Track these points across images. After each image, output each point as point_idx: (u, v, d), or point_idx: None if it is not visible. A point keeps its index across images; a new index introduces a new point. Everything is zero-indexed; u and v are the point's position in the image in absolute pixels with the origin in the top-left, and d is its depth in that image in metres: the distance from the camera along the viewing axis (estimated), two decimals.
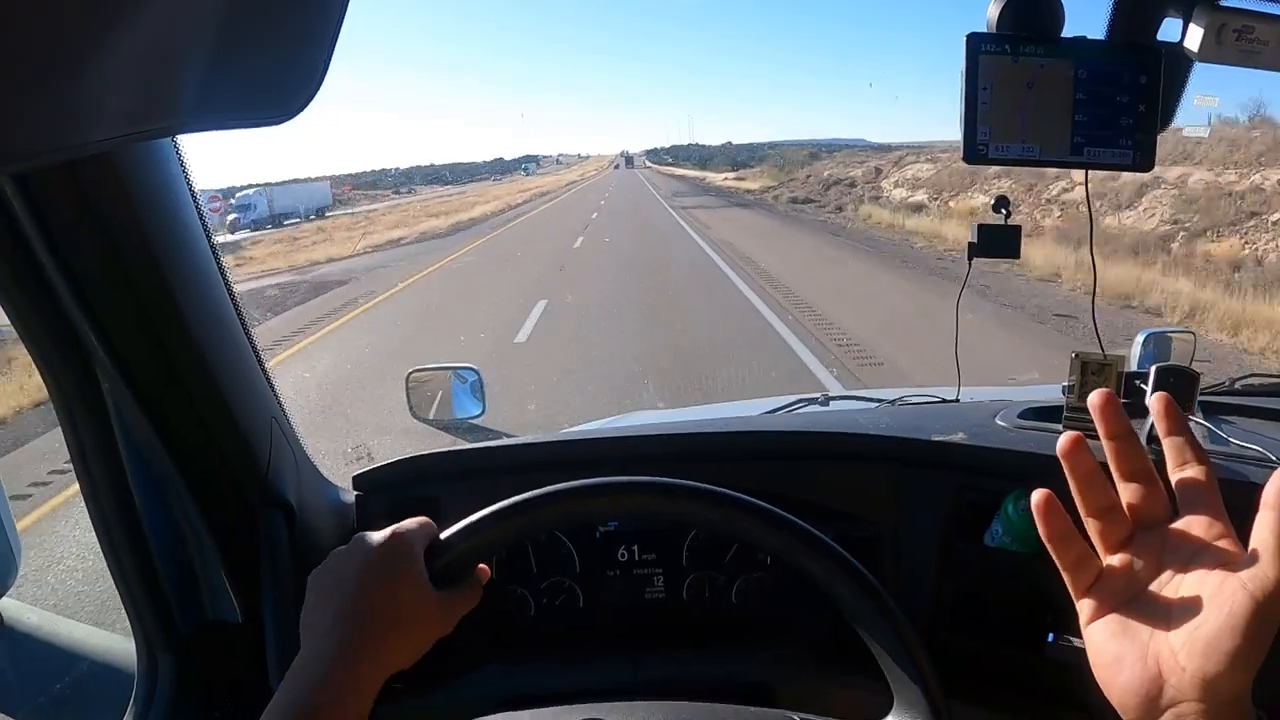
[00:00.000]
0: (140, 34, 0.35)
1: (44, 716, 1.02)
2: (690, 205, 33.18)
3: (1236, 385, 1.28)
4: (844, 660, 0.96)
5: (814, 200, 30.79)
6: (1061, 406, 1.07)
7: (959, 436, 1.05)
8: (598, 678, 1.04)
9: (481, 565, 0.75)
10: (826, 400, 1.50)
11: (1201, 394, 1.18)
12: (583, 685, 1.01)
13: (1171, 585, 0.46)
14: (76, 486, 0.94)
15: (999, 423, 1.10)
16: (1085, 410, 1.05)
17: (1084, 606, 0.49)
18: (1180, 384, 0.94)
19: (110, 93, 0.36)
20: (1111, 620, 0.47)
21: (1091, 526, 0.50)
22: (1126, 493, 0.49)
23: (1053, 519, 0.50)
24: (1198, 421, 1.06)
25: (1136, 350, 1.47)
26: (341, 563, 0.70)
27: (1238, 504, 0.92)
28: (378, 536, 0.70)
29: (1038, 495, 0.50)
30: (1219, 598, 0.42)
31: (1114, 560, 0.49)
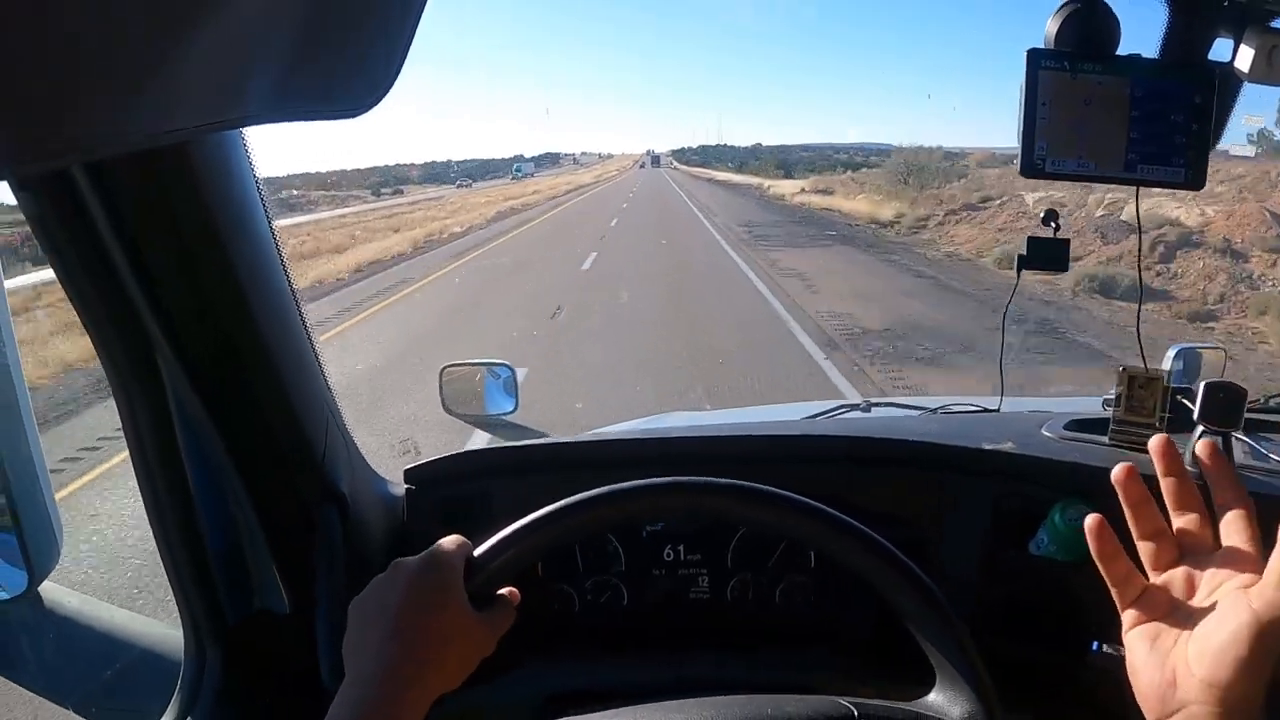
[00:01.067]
0: (221, 26, 0.36)
1: (88, 702, 1.02)
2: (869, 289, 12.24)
3: (1271, 403, 1.29)
4: (887, 664, 0.97)
5: None
6: (1106, 419, 1.08)
7: (1008, 445, 1.06)
8: (640, 677, 1.05)
9: (510, 589, 0.74)
10: (868, 407, 1.51)
11: None
12: (625, 684, 1.02)
13: (1200, 603, 0.52)
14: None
15: (1045, 433, 1.12)
16: (1131, 424, 1.06)
17: (1127, 617, 0.56)
18: (1229, 400, 0.95)
19: (185, 84, 0.36)
20: (1147, 629, 0.54)
21: (1143, 549, 0.57)
22: (1178, 521, 0.56)
23: (1104, 539, 0.57)
24: (1239, 437, 1.07)
25: (1167, 365, 1.49)
26: (384, 588, 0.69)
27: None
28: (418, 560, 0.70)
29: (1091, 518, 0.57)
30: (1229, 612, 0.49)
31: (1159, 579, 0.56)
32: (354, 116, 0.51)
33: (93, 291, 0.82)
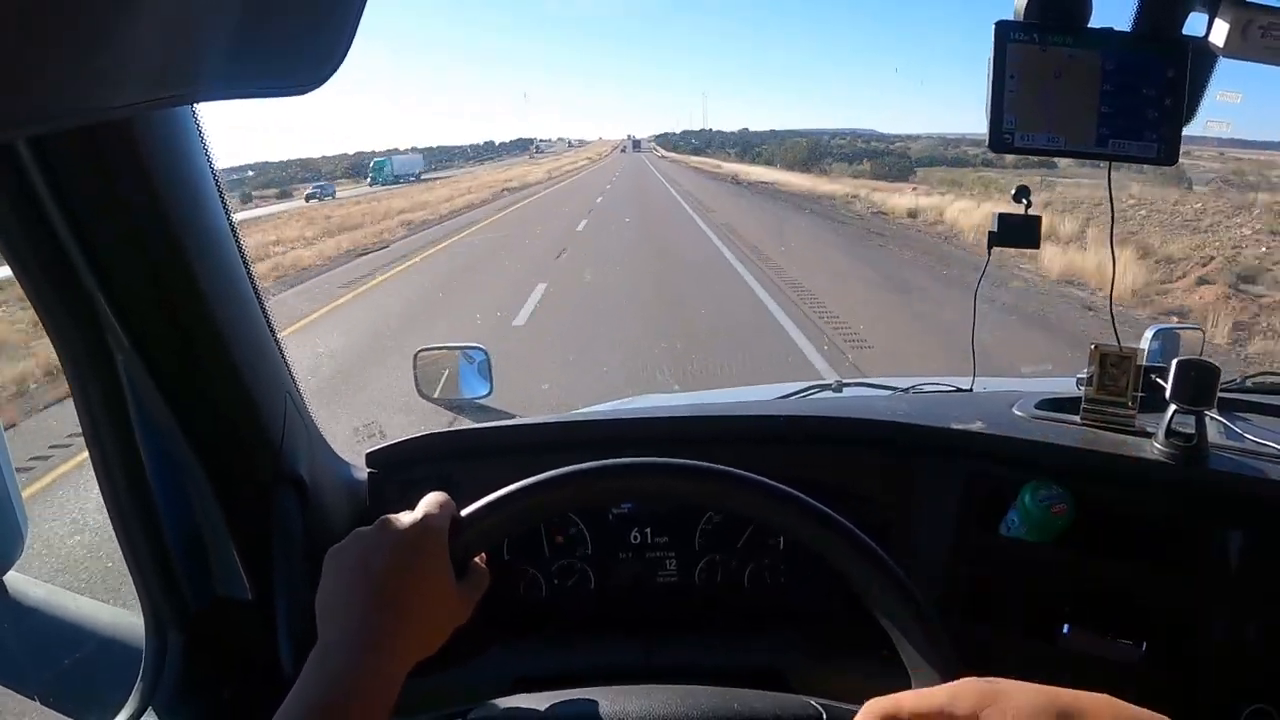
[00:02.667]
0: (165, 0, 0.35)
1: (51, 691, 1.01)
2: None
3: (1248, 383, 1.28)
4: (854, 645, 0.96)
5: None
6: (1078, 398, 1.07)
7: (977, 425, 1.05)
8: (609, 660, 1.04)
9: (481, 556, 0.73)
10: (840, 387, 1.50)
11: None
12: (594, 667, 1.01)
13: None
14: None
15: (1016, 413, 1.11)
16: (1103, 402, 1.05)
17: None
18: (1201, 378, 0.94)
19: (133, 57, 0.36)
20: None
21: None
22: None
23: None
24: (1214, 417, 1.06)
25: (1145, 345, 1.48)
26: (367, 546, 0.67)
27: (1260, 497, 0.93)
28: (405, 520, 0.68)
29: None
30: None
31: None
32: (304, 93, 0.50)
33: (42, 276, 0.81)
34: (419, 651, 0.65)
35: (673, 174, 51.98)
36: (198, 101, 0.81)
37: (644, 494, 0.93)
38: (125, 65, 0.35)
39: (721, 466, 0.70)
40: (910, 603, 0.69)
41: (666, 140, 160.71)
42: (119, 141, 0.74)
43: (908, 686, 0.70)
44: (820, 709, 0.69)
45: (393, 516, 0.69)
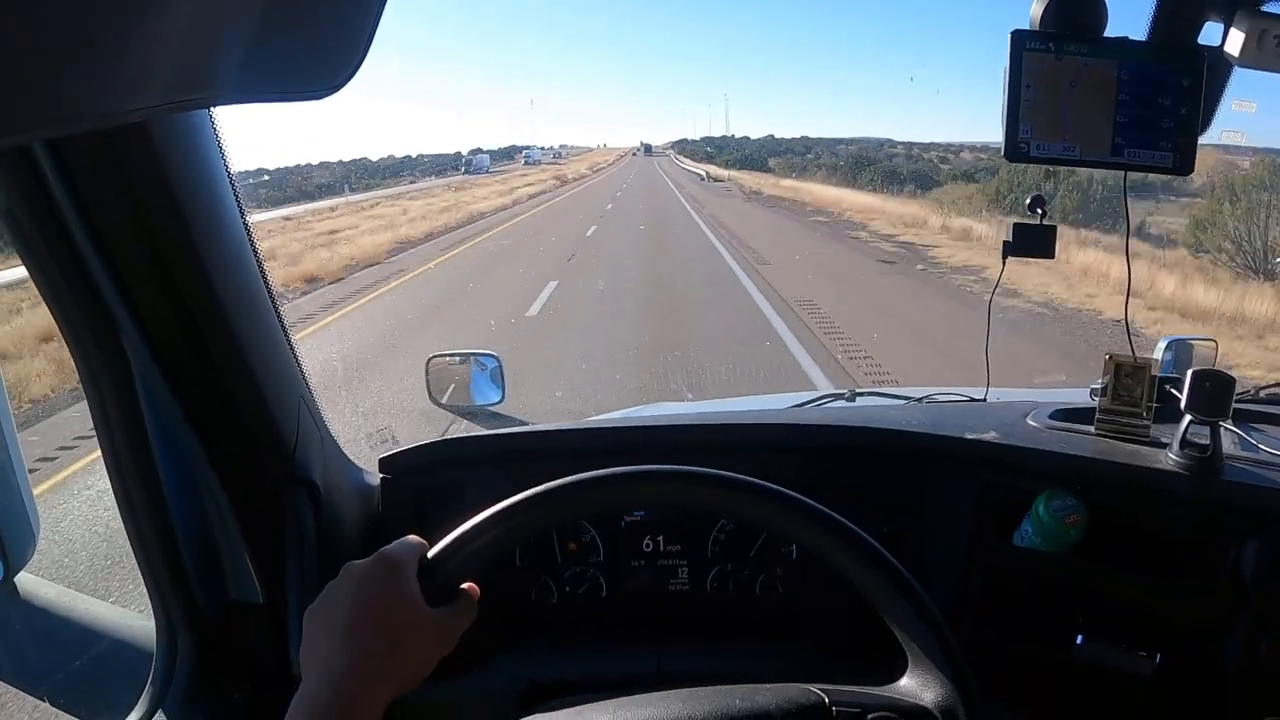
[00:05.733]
0: (185, 4, 0.35)
1: (62, 692, 1.01)
2: None
3: (1261, 394, 1.28)
4: (866, 656, 0.95)
5: None
6: (1092, 409, 1.07)
7: (991, 435, 1.05)
8: (620, 667, 1.04)
9: (470, 585, 0.73)
10: (853, 396, 1.50)
11: None
12: (605, 675, 1.01)
13: None
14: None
15: (1030, 423, 1.10)
16: (1118, 413, 1.05)
17: None
18: (1216, 389, 0.94)
19: (153, 62, 0.36)
20: None
21: None
22: None
23: None
24: (1228, 428, 1.06)
25: (1159, 356, 1.47)
26: (335, 594, 0.69)
27: (1271, 509, 0.92)
28: (366, 562, 0.69)
29: None
30: None
31: None
32: (321, 98, 0.50)
33: (59, 278, 0.81)
34: (396, 684, 0.66)
35: (689, 192, 37.16)
36: (215, 105, 0.82)
37: (624, 504, 0.93)
38: (145, 69, 0.36)
39: (699, 469, 0.71)
40: (920, 608, 0.69)
41: (685, 148, 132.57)
42: (137, 145, 0.74)
43: (920, 702, 0.70)
44: (822, 694, 0.68)
45: (356, 563, 0.70)
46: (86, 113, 0.36)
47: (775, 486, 0.71)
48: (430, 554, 0.71)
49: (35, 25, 0.29)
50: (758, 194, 35.62)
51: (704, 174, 56.57)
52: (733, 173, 56.88)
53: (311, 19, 0.44)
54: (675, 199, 31.49)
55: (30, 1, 0.29)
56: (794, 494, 0.71)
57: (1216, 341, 1.56)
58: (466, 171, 79.32)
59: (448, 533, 0.71)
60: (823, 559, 0.72)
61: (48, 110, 0.33)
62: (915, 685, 0.69)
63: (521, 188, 45.44)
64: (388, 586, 0.68)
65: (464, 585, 0.73)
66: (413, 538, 0.72)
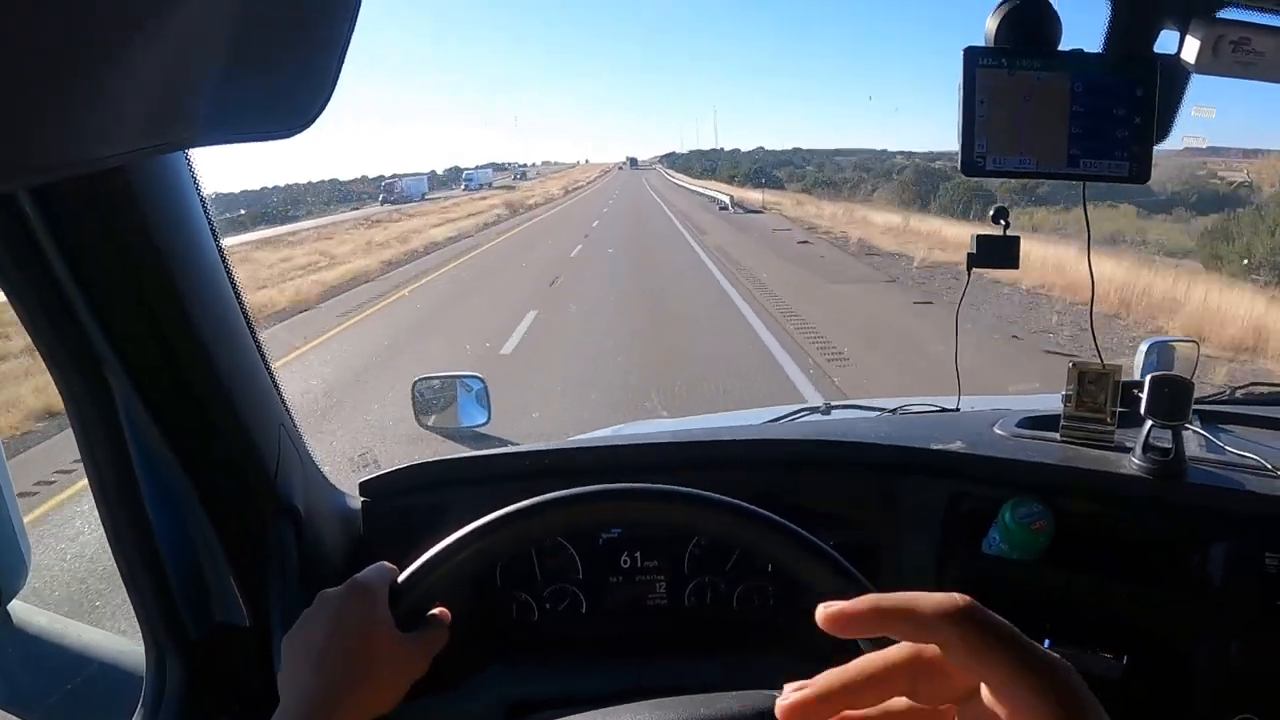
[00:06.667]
0: (157, 50, 0.37)
1: (53, 717, 1.03)
2: None
3: (1237, 394, 1.28)
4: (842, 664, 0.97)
5: None
6: (1059, 416, 1.08)
7: (956, 445, 1.06)
8: (601, 683, 1.05)
9: (441, 609, 0.75)
10: (828, 409, 1.51)
11: (1201, 402, 1.20)
12: (586, 691, 1.02)
13: None
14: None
15: (997, 431, 1.11)
16: (1082, 418, 1.06)
17: None
18: (1175, 393, 0.95)
19: (127, 108, 0.37)
20: None
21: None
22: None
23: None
24: (1194, 430, 1.07)
25: (1140, 360, 1.48)
26: (309, 622, 0.71)
27: (1234, 511, 0.93)
28: (338, 590, 0.71)
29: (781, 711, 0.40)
30: None
31: None
32: (295, 134, 0.52)
33: (41, 312, 0.84)
34: (368, 711, 0.68)
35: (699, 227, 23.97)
36: (189, 148, 0.85)
37: (588, 522, 0.93)
38: (118, 117, 0.37)
39: (664, 486, 0.72)
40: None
41: (675, 161, 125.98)
42: (114, 186, 0.77)
43: None
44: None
45: (330, 590, 0.72)
46: (60, 162, 0.37)
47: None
48: (400, 579, 0.72)
49: (6, 77, 0.31)
50: (871, 249, 16.97)
51: (726, 200, 34.18)
52: (765, 195, 37.94)
53: (279, 58, 0.45)
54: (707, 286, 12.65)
55: (1, 54, 0.30)
56: (752, 507, 0.72)
57: (1198, 343, 1.56)
58: (387, 200, 59.75)
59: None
60: (784, 569, 0.73)
61: (23, 162, 0.35)
62: None
63: (425, 230, 28.06)
64: (360, 613, 0.69)
65: (434, 610, 0.75)
66: (384, 563, 0.74)
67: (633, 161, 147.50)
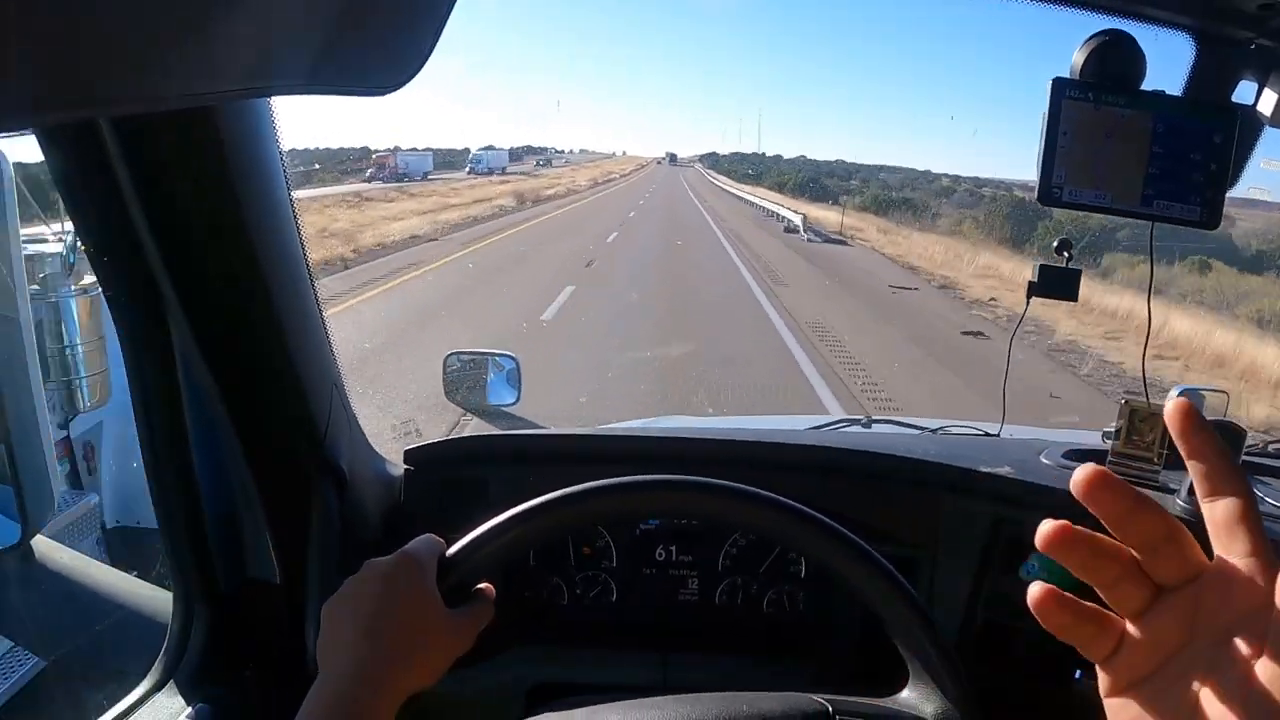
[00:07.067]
0: None
1: (71, 657, 1.02)
2: None
3: (1269, 448, 1.29)
4: (869, 678, 0.97)
5: None
6: (1105, 451, 1.09)
7: (1005, 470, 1.06)
8: (625, 673, 1.05)
9: (487, 585, 0.75)
10: (869, 423, 1.52)
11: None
12: (611, 680, 1.02)
13: (1203, 668, 0.36)
14: None
15: (1043, 460, 1.12)
16: (1130, 456, 1.07)
17: (1103, 678, 0.40)
18: (1226, 439, 0.95)
19: (239, 49, 0.37)
20: (1128, 703, 0.38)
21: (1101, 592, 0.41)
22: (1142, 553, 0.39)
23: (1057, 611, 0.41)
24: None
25: (1170, 404, 1.49)
26: (355, 588, 0.70)
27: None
28: (388, 560, 0.71)
29: (1037, 592, 0.41)
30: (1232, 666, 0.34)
31: (1133, 628, 0.39)
32: (381, 95, 0.52)
33: (110, 249, 0.83)
34: (415, 682, 0.67)
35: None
36: (282, 95, 0.84)
37: (642, 511, 0.94)
38: (211, 57, 0.37)
39: (720, 481, 0.72)
40: (923, 622, 0.71)
41: (715, 163, 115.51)
42: (198, 126, 0.76)
43: (920, 714, 0.72)
44: (825, 703, 0.70)
45: (379, 559, 0.71)
46: (168, 93, 0.37)
47: (791, 502, 0.73)
48: (449, 553, 0.72)
49: (106, 6, 0.30)
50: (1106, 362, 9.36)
51: (796, 220, 24.64)
52: (844, 217, 29.10)
53: (380, 16, 0.45)
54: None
55: None
56: (808, 509, 0.73)
57: (1228, 394, 1.57)
58: (376, 177, 50.70)
59: (466, 528, 0.73)
60: (831, 571, 0.74)
61: (134, 88, 0.34)
62: (916, 698, 0.72)
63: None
64: (410, 586, 0.69)
65: (480, 585, 0.75)
66: (432, 537, 0.74)
67: (672, 157, 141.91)
